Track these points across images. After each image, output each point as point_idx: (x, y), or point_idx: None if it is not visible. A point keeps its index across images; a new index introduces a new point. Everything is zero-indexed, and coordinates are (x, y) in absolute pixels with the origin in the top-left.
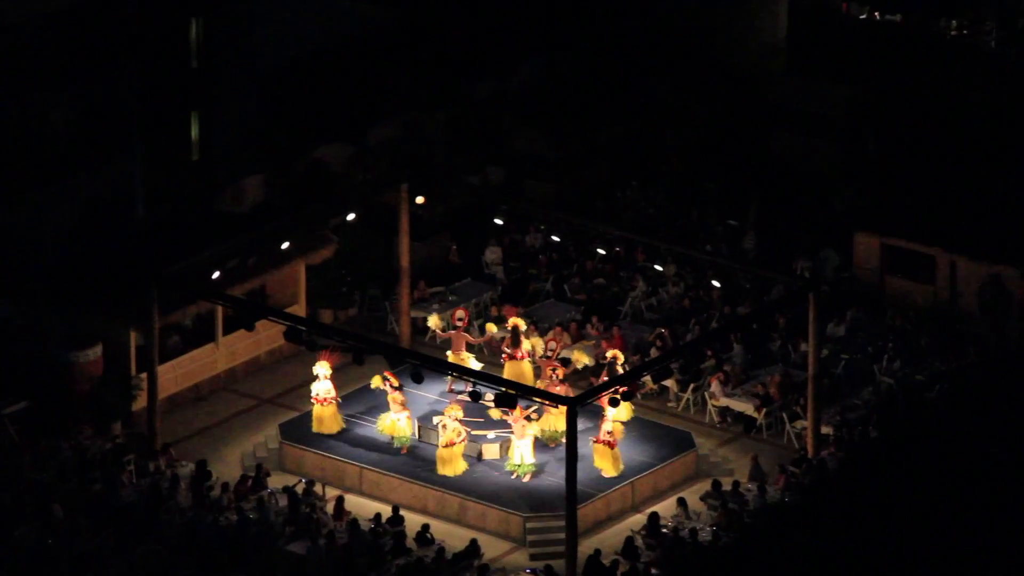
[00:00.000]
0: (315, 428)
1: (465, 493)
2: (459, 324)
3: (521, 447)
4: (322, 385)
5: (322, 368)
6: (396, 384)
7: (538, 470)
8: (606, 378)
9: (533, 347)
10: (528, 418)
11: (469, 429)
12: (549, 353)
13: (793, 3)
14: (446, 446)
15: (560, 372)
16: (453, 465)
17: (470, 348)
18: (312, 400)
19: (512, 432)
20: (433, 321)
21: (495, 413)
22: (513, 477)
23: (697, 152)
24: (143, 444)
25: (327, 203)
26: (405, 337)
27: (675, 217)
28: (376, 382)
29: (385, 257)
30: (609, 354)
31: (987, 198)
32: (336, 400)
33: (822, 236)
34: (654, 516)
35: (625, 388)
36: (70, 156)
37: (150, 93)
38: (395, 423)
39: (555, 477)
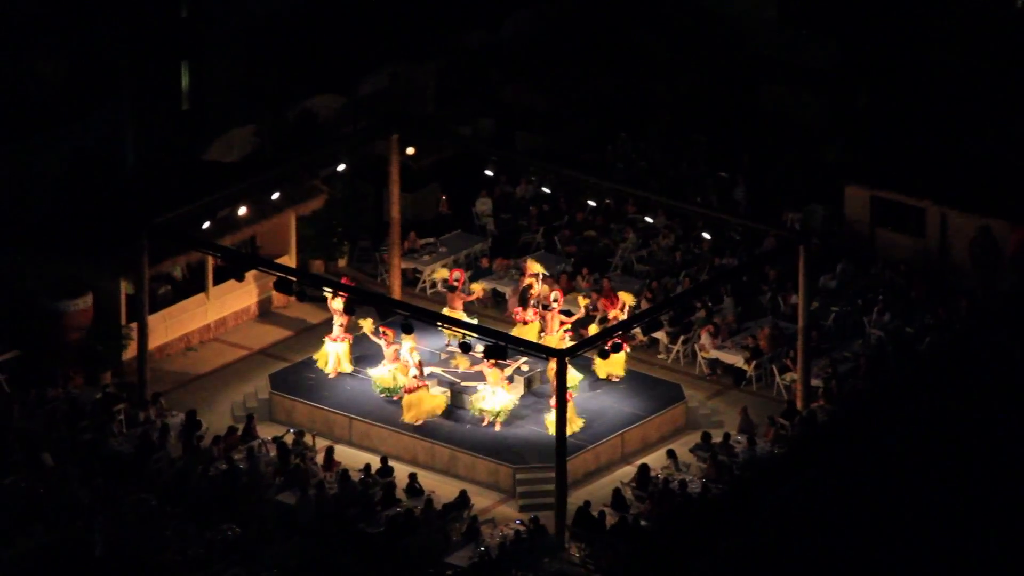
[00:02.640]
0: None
1: (455, 444)
2: (455, 284)
3: (490, 391)
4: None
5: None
6: (391, 339)
7: (512, 415)
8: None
9: (539, 295)
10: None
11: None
12: (554, 304)
13: None
14: (411, 391)
15: (568, 323)
16: (416, 410)
17: (466, 307)
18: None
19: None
20: (440, 274)
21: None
22: (484, 424)
23: (687, 104)
24: (133, 394)
25: (317, 153)
26: (395, 288)
27: (665, 169)
28: (368, 326)
29: (375, 208)
30: (612, 314)
31: (977, 150)
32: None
33: (812, 189)
34: (644, 468)
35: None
36: (60, 105)
37: (139, 42)
38: (394, 374)
39: (544, 428)
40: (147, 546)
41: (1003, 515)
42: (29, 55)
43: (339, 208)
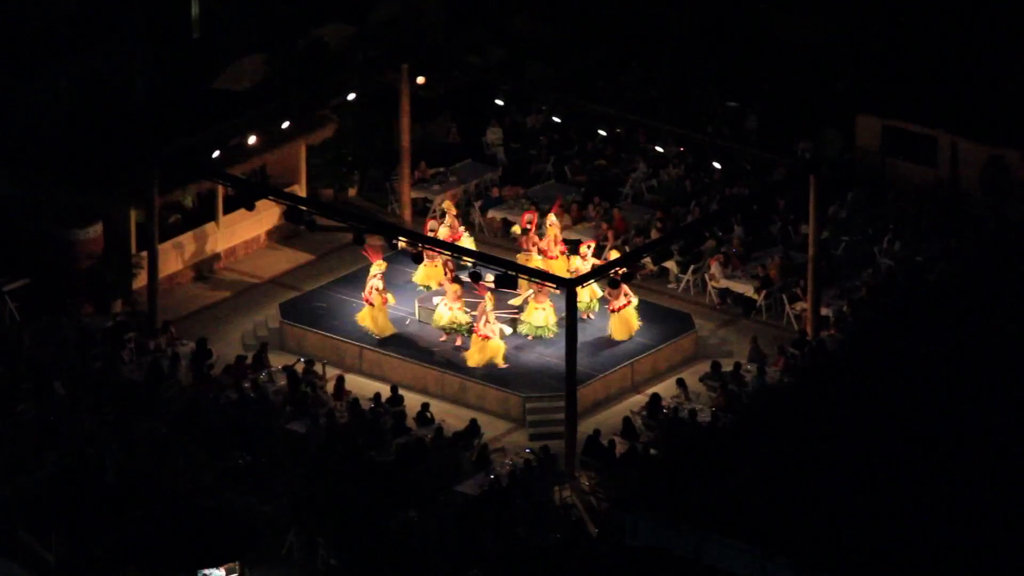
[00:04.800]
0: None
1: (464, 373)
2: (528, 227)
3: (445, 307)
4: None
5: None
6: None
7: (522, 346)
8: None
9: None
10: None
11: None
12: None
13: None
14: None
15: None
16: (484, 354)
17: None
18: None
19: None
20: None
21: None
22: (446, 340)
23: (698, 33)
24: (143, 322)
25: (327, 83)
26: (406, 218)
27: (676, 98)
28: (421, 279)
29: (386, 137)
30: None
31: (989, 80)
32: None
33: (823, 118)
34: (654, 397)
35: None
36: (70, 35)
37: None
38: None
39: (555, 358)
40: (158, 474)
41: (1010, 443)
42: None
43: (349, 138)
